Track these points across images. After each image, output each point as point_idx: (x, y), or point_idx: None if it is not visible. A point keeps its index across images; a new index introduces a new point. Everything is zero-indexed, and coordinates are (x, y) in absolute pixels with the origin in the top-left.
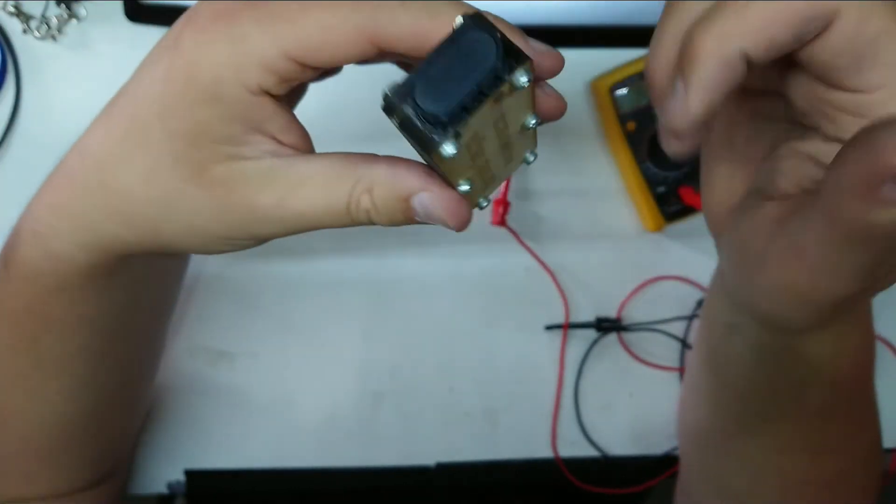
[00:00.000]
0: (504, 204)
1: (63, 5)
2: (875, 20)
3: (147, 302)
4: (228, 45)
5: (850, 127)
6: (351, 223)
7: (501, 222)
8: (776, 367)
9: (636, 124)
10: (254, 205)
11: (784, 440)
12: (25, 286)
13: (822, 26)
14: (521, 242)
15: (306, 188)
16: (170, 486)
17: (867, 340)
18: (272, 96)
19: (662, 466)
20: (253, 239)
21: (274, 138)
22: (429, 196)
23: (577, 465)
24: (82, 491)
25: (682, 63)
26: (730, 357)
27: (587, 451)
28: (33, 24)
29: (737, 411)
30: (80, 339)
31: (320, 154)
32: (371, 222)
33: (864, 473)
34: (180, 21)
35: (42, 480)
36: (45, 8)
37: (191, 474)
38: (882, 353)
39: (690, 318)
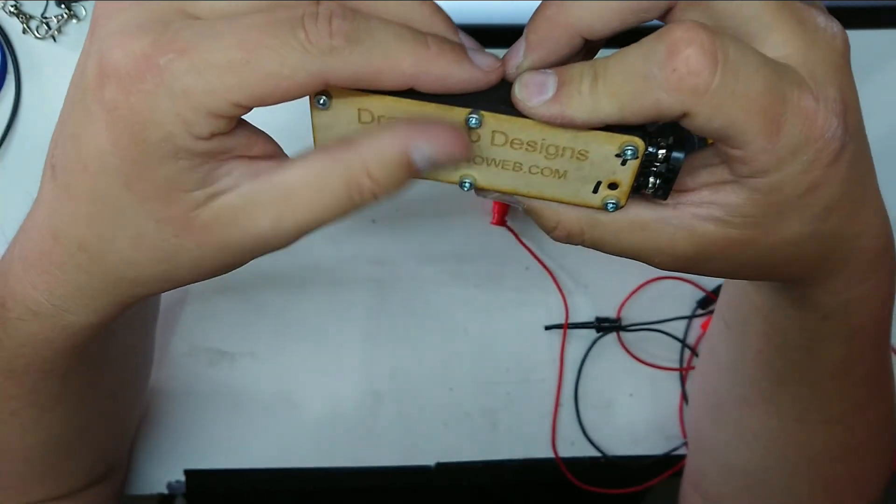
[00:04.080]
0: (504, 204)
1: (63, 5)
2: (718, 120)
3: (134, 322)
4: (170, 101)
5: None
6: (356, 209)
7: (501, 222)
8: (795, 319)
9: None
10: (253, 232)
11: (800, 408)
12: (27, 350)
13: (677, 116)
14: (521, 242)
15: (299, 198)
16: (170, 485)
17: (884, 296)
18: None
19: (662, 466)
20: (260, 255)
21: (243, 157)
22: (426, 140)
23: (577, 465)
24: (79, 492)
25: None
26: (750, 310)
27: (587, 451)
28: (33, 24)
29: (756, 375)
30: (78, 376)
31: (294, 159)
32: (376, 199)
33: (877, 447)
34: (93, 71)
35: (41, 489)
36: (45, 8)
37: (190, 474)
38: None
39: (690, 317)
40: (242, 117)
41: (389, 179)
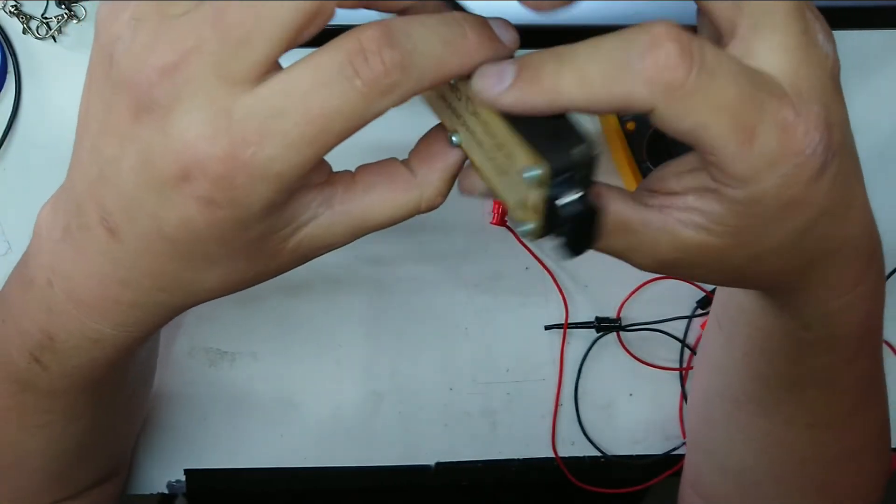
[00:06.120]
0: (504, 203)
1: (63, 6)
2: (688, 120)
3: None
4: (265, 185)
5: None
6: None
7: (501, 222)
8: (776, 325)
9: (636, 125)
10: (329, 248)
11: (787, 412)
12: (82, 371)
13: (644, 110)
14: (521, 242)
15: (372, 221)
16: (170, 485)
17: (868, 308)
18: None
19: (662, 466)
20: None
21: (311, 185)
22: None
23: (577, 465)
24: (85, 492)
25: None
26: (738, 312)
27: (587, 451)
28: (33, 24)
29: (743, 376)
30: (108, 385)
31: (363, 183)
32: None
33: (871, 455)
34: (171, 168)
35: (49, 494)
36: (45, 8)
37: (191, 474)
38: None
39: (690, 317)
40: None
41: (449, 188)
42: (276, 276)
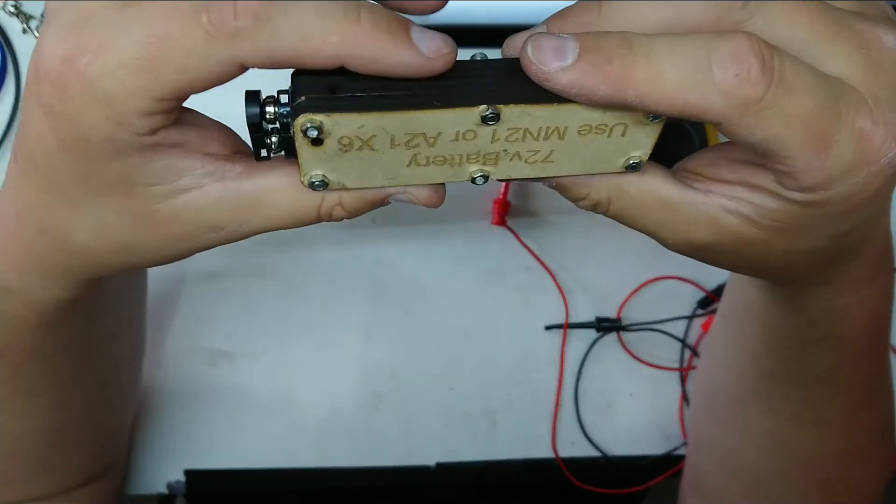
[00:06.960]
0: (504, 204)
1: None
2: (759, 133)
3: (116, 305)
4: (97, 106)
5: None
6: (319, 222)
7: (501, 222)
8: (783, 320)
9: None
10: (216, 229)
11: (792, 409)
12: (4, 330)
13: (713, 122)
14: (521, 242)
15: (267, 208)
16: (169, 485)
17: (876, 307)
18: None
19: (662, 466)
20: (218, 246)
21: (202, 153)
22: (406, 197)
23: (577, 465)
24: (76, 489)
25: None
26: (746, 306)
27: (587, 451)
28: (33, 24)
29: (749, 373)
30: (61, 358)
31: (266, 169)
32: (343, 219)
33: (874, 452)
34: (32, 70)
35: (34, 484)
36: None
37: (190, 474)
38: None
39: (690, 317)
40: (195, 110)
41: (362, 209)
42: (163, 252)
